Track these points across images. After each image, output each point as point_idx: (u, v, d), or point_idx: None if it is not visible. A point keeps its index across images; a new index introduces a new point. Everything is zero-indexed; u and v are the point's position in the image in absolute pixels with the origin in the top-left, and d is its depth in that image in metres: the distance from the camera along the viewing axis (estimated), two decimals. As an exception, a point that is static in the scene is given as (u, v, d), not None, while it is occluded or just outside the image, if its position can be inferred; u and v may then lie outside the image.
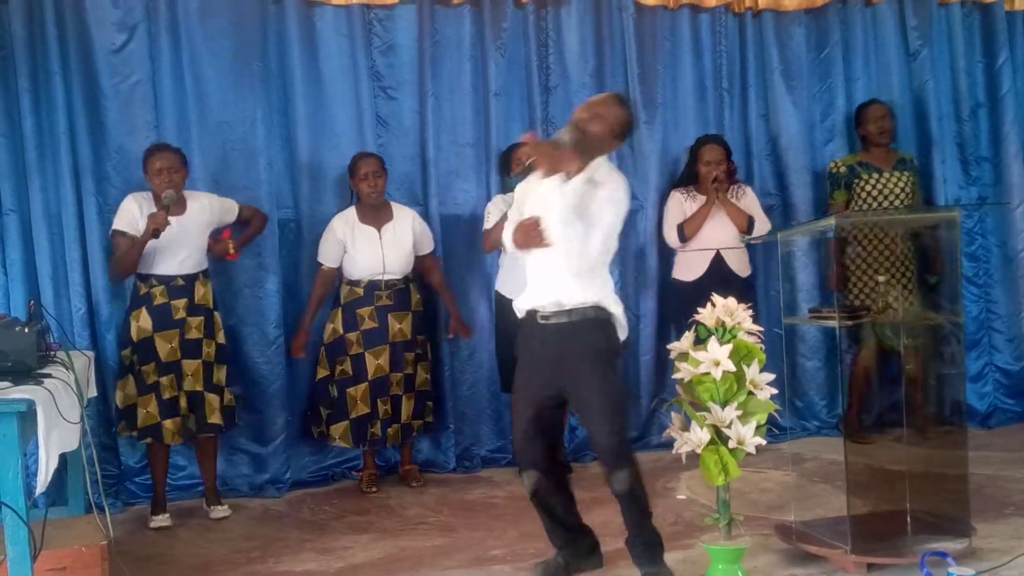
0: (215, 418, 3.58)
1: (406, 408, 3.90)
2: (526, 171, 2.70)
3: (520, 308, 2.77)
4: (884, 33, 4.78)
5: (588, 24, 4.44)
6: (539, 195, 2.66)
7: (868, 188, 4.37)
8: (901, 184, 4.39)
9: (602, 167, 2.68)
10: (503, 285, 4.14)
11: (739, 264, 4.28)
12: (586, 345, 2.62)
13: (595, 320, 2.65)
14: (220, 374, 3.67)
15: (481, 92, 4.32)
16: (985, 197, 4.82)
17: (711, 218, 4.21)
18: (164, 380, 3.51)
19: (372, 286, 3.87)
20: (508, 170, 4.12)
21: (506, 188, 4.18)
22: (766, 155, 4.68)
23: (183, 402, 3.54)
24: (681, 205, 4.29)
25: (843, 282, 4.36)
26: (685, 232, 4.23)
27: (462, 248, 4.30)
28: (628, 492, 2.63)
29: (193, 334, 3.57)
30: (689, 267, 4.27)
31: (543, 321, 2.68)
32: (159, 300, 3.54)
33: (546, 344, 2.67)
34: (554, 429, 2.87)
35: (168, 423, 3.51)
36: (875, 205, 4.35)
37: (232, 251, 3.73)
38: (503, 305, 4.13)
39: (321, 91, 4.12)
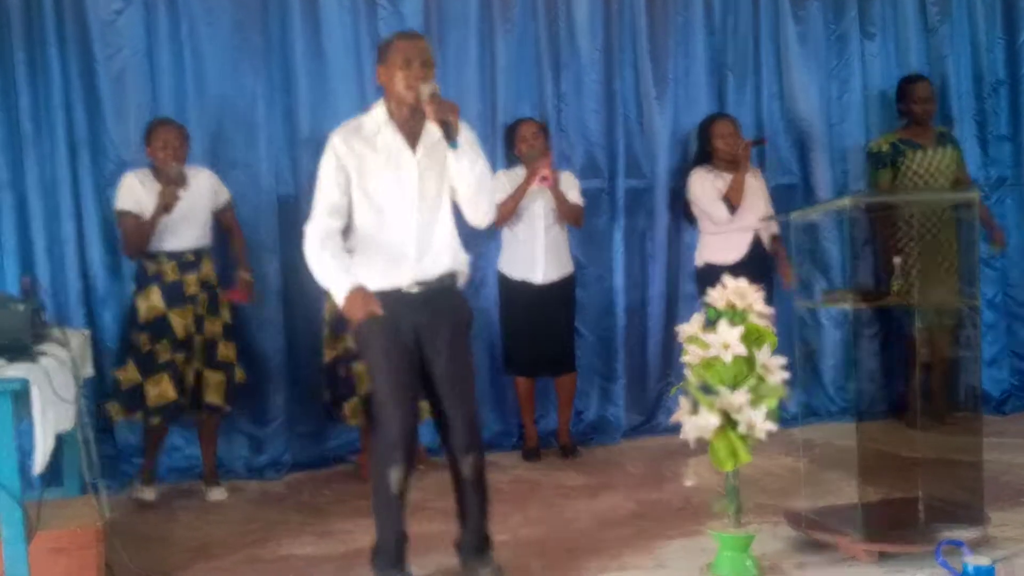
0: (212, 396, 3.54)
1: None
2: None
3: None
4: (902, 8, 4.68)
5: (598, -2, 4.34)
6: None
7: (914, 167, 4.25)
8: (947, 160, 4.28)
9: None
10: (504, 264, 4.08)
11: (768, 244, 4.16)
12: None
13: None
14: (228, 351, 3.62)
15: (488, 69, 4.24)
16: (1004, 177, 4.73)
17: (747, 195, 4.03)
18: (179, 357, 3.48)
19: None
20: (513, 145, 4.06)
21: (511, 163, 4.11)
22: (780, 133, 4.58)
23: (189, 379, 3.51)
24: (713, 181, 4.08)
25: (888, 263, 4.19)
26: (732, 202, 4.00)
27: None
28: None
29: (199, 311, 3.54)
30: (731, 248, 4.06)
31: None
32: (171, 277, 3.50)
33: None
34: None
35: (185, 401, 3.49)
36: (922, 184, 4.23)
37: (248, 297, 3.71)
38: (506, 284, 4.08)
39: (323, 65, 4.04)
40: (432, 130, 2.50)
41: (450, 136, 2.39)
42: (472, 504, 2.62)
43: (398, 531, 2.54)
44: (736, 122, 4.18)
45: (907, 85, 4.37)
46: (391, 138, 2.51)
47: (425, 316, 2.51)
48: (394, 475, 2.46)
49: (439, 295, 2.55)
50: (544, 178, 3.87)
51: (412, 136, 2.52)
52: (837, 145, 4.61)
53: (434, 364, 2.54)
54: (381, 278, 2.50)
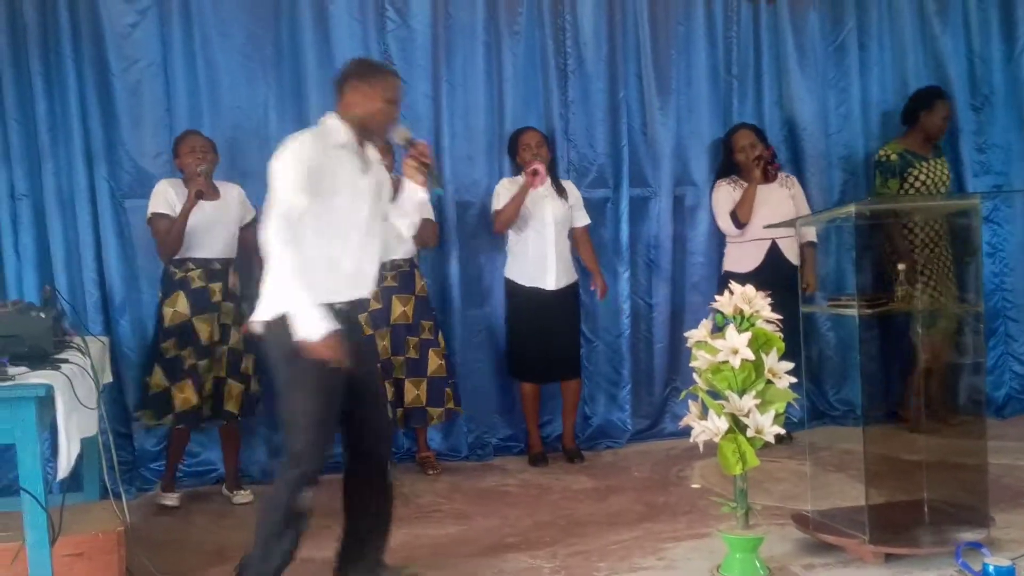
0: (231, 405, 3.58)
1: (410, 392, 3.85)
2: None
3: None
4: (900, 18, 4.72)
5: (602, 7, 4.40)
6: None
7: (922, 177, 4.31)
8: (945, 171, 4.39)
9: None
10: (513, 271, 4.13)
11: (792, 252, 4.19)
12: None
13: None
14: (248, 362, 3.66)
15: (495, 78, 4.28)
16: (1000, 185, 4.77)
17: (764, 206, 4.09)
18: (202, 364, 3.52)
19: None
20: (516, 153, 4.10)
21: (516, 171, 4.16)
22: (780, 142, 4.62)
23: (208, 386, 3.55)
24: (730, 194, 4.17)
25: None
26: (739, 218, 4.11)
27: (477, 234, 4.27)
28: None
29: (224, 320, 3.59)
30: (745, 258, 4.14)
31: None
32: (197, 283, 3.55)
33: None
34: None
35: (206, 408, 3.53)
36: (927, 193, 4.29)
37: None
38: (515, 291, 4.13)
39: (334, 75, 4.08)
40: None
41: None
42: None
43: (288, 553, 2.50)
44: (756, 132, 4.23)
45: (929, 98, 4.36)
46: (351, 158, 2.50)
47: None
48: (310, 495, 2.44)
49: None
50: (535, 172, 3.88)
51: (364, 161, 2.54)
52: (835, 154, 4.66)
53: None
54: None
